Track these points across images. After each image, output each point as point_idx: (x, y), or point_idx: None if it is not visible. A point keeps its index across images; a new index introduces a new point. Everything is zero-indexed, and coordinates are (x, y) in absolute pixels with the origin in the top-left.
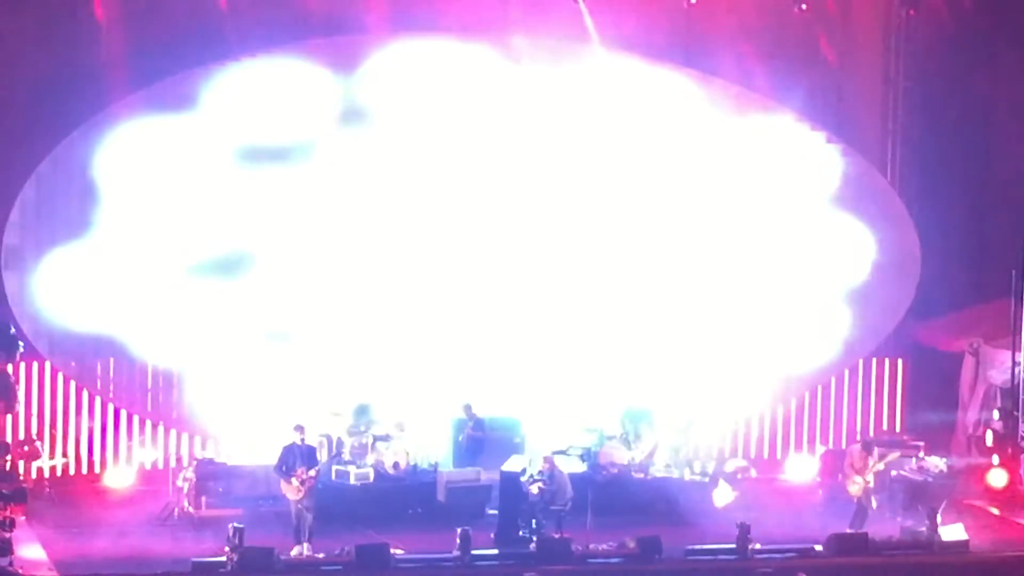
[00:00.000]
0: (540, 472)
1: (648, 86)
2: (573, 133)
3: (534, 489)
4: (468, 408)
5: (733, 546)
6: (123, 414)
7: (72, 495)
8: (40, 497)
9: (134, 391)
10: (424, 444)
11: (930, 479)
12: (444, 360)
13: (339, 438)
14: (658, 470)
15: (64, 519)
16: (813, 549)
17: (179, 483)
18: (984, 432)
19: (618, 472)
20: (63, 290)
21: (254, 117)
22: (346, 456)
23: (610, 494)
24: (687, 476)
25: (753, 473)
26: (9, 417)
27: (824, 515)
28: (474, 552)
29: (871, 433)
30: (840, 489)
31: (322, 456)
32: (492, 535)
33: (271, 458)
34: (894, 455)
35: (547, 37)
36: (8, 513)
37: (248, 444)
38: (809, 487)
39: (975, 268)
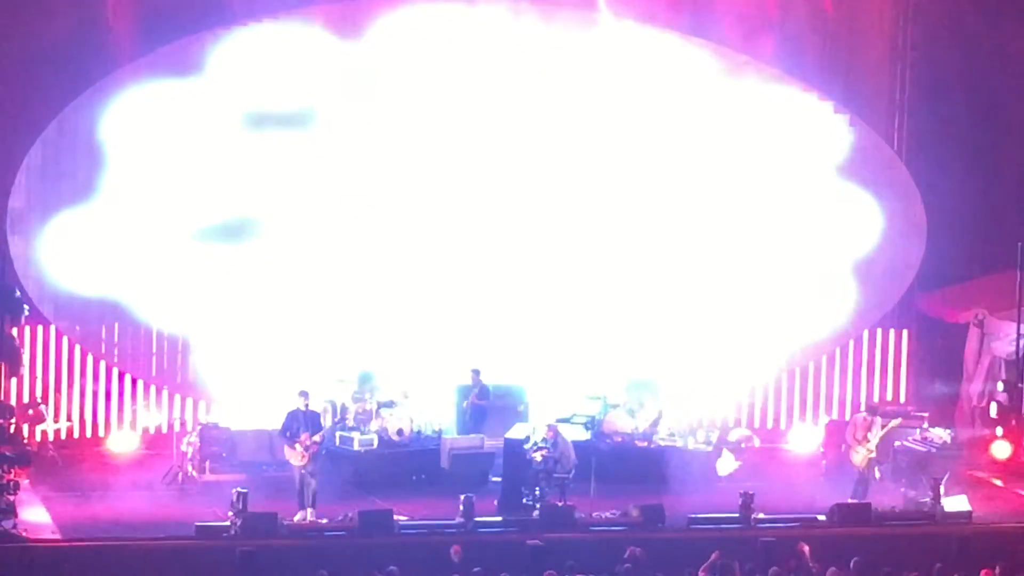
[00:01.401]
0: (544, 440)
1: (654, 55)
2: (578, 102)
3: (538, 457)
4: (476, 373)
5: (736, 515)
6: (128, 378)
7: (76, 459)
8: (44, 460)
9: (139, 355)
10: (428, 411)
11: (934, 450)
12: (449, 327)
13: (343, 404)
14: (662, 439)
15: (68, 483)
16: (816, 519)
17: (183, 448)
18: (988, 404)
19: (622, 440)
20: (68, 254)
21: (260, 82)
22: (350, 422)
23: (614, 462)
24: (691, 445)
25: (757, 443)
26: (14, 380)
27: (827, 485)
28: (477, 519)
29: (874, 401)
30: (843, 459)
31: (326, 422)
32: (495, 502)
33: (275, 423)
34: (895, 422)
35: (554, 4)
36: (12, 476)
37: (252, 409)
38: (812, 457)
39: (981, 239)
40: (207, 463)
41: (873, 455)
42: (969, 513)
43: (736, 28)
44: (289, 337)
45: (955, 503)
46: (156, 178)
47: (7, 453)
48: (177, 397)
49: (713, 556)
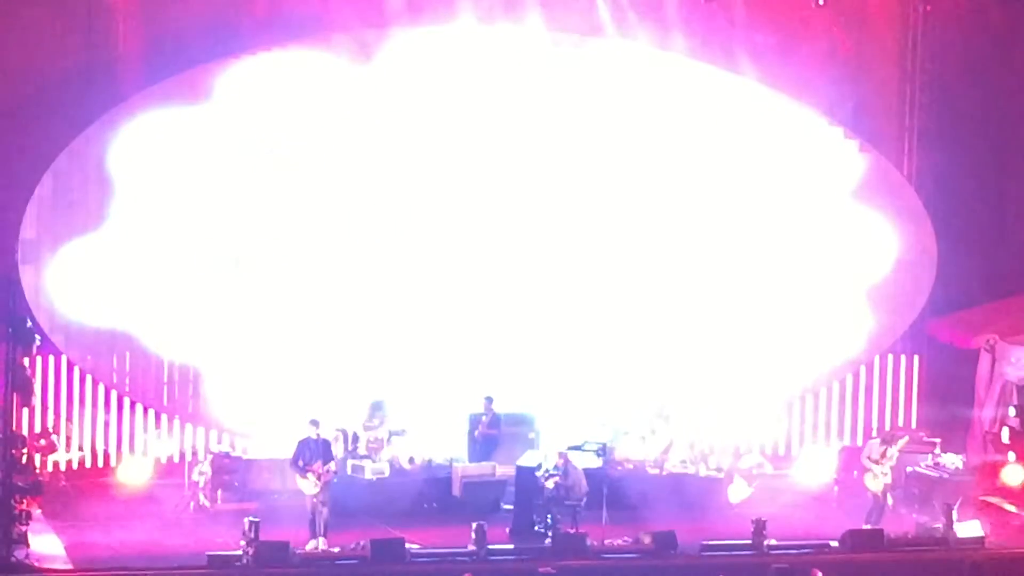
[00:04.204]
0: (555, 467)
1: (665, 80)
2: (589, 126)
3: (549, 484)
4: (488, 401)
5: (748, 542)
6: (139, 408)
7: (87, 488)
8: (56, 490)
9: (150, 385)
10: (440, 439)
11: (946, 476)
12: (460, 355)
13: (355, 433)
14: (673, 466)
15: (79, 512)
16: (828, 545)
17: (195, 477)
18: (1000, 429)
19: (633, 467)
20: (79, 284)
21: (269, 110)
22: (362, 451)
23: (625, 489)
24: (702, 472)
25: (769, 469)
26: (25, 410)
27: (839, 511)
28: (489, 547)
29: (888, 429)
30: (856, 485)
31: (337, 451)
32: (507, 530)
33: (287, 452)
34: (903, 440)
35: (563, 30)
36: (24, 506)
37: (264, 438)
38: (825, 483)
39: (992, 264)
40: (219, 492)
41: (888, 480)
42: (982, 539)
43: (746, 55)
44: (301, 366)
45: (968, 529)
46: (166, 207)
47: (19, 483)
48: (188, 426)
49: None
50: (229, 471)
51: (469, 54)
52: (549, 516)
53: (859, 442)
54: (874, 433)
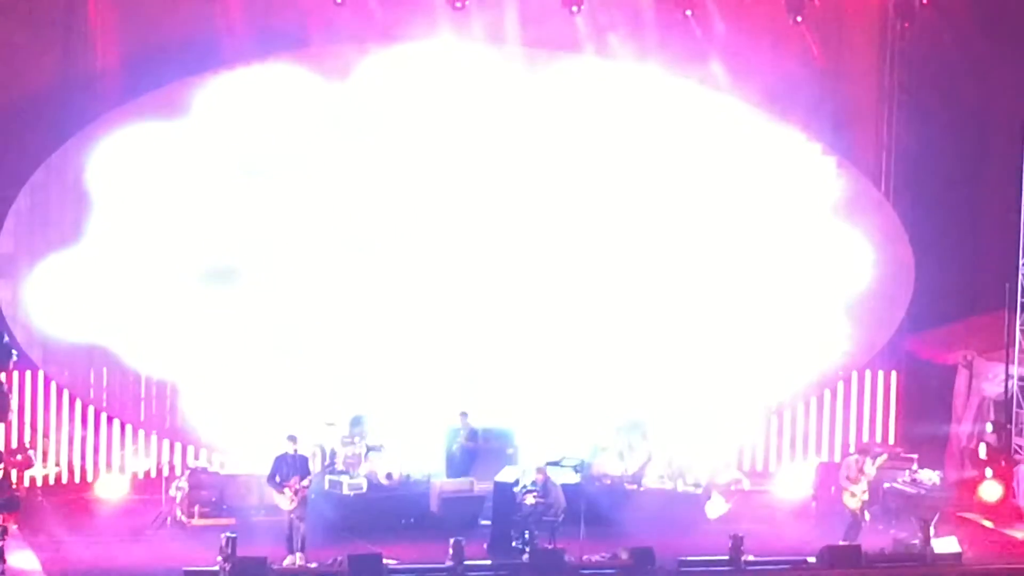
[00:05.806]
0: (533, 483)
1: (643, 97)
2: (568, 143)
3: (528, 500)
4: (464, 416)
5: (726, 557)
6: (116, 423)
7: (65, 504)
8: (33, 506)
9: (127, 400)
10: (418, 454)
11: (923, 491)
12: (438, 371)
13: (332, 448)
14: (651, 481)
15: (56, 528)
16: (806, 561)
17: (172, 492)
18: (977, 445)
19: (611, 483)
20: (56, 299)
21: (247, 125)
22: (339, 466)
23: (603, 505)
24: (680, 487)
25: (746, 485)
26: (2, 426)
27: (817, 527)
28: (467, 562)
29: (864, 443)
30: (833, 501)
31: (315, 466)
32: (485, 546)
33: (264, 467)
34: (883, 457)
35: (543, 46)
36: (1, 521)
37: (241, 453)
38: (802, 499)
39: (969, 280)
40: (196, 508)
41: (866, 497)
42: (959, 555)
43: (724, 71)
44: (278, 381)
45: (945, 544)
46: (144, 222)
47: None
48: (166, 442)
49: None
50: (206, 486)
51: (446, 70)
52: (527, 532)
53: (837, 458)
54: (851, 449)
